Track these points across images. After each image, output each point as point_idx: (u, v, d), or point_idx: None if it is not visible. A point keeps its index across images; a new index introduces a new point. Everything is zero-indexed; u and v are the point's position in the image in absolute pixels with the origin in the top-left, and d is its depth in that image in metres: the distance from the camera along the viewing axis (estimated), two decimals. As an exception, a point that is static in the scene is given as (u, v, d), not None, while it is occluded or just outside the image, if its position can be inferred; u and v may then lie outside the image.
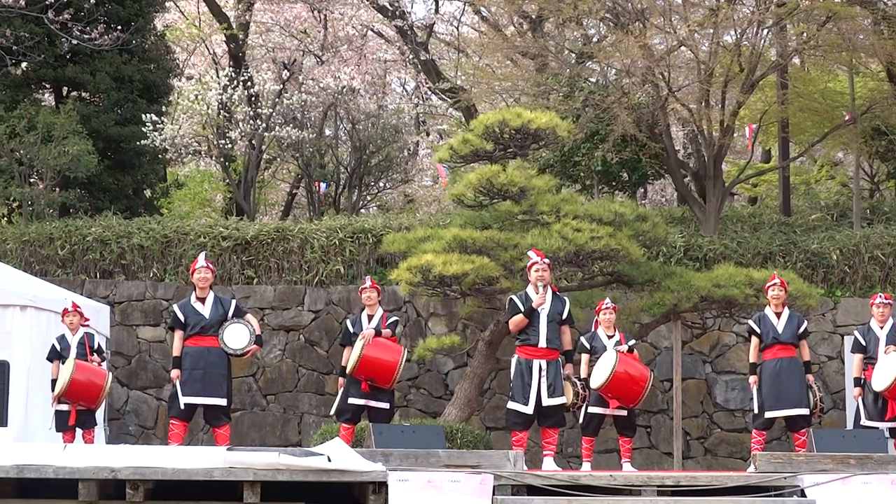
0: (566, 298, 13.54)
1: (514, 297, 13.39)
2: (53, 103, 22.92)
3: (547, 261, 13.45)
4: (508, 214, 15.67)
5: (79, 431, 13.81)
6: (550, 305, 13.19)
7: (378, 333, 13.68)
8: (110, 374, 14.00)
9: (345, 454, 11.09)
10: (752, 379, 13.70)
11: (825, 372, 17.58)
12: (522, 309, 13.15)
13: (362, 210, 26.41)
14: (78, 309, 14.22)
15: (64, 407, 13.68)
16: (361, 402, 13.64)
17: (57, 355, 13.94)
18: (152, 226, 18.60)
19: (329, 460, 10.87)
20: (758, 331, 13.72)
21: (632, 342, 13.88)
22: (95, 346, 14.12)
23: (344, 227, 18.53)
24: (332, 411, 14.20)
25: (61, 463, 10.81)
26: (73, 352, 13.78)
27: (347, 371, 13.62)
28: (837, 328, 17.75)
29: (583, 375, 13.53)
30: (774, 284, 13.89)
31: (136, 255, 18.25)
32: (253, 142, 23.83)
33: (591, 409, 13.60)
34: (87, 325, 14.38)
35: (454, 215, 17.55)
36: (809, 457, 11.71)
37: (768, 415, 13.60)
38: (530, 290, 13.28)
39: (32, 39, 20.73)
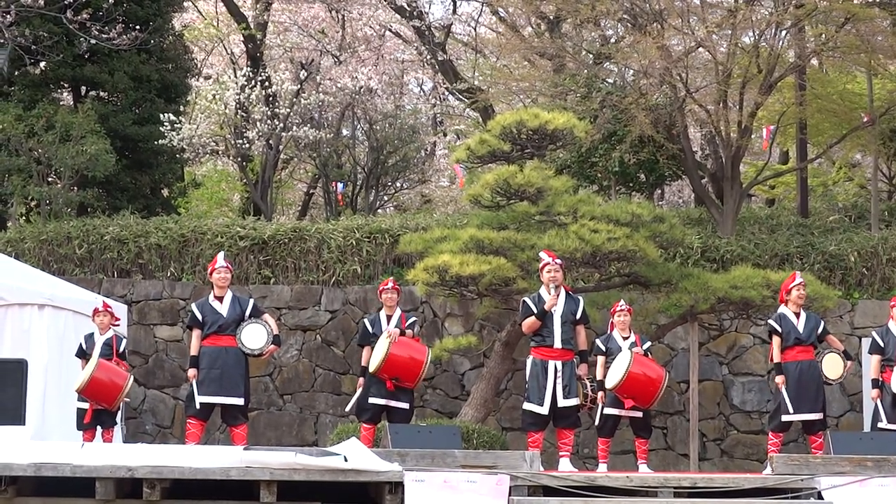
0: (580, 298, 13.54)
1: (526, 298, 13.40)
2: (72, 103, 22.98)
3: (559, 261, 13.45)
4: (525, 215, 15.66)
5: (98, 430, 13.90)
6: (564, 306, 13.20)
7: (402, 333, 13.71)
8: (131, 376, 14.04)
9: (361, 454, 11.11)
10: (780, 379, 13.60)
11: (842, 374, 17.53)
12: (535, 311, 13.15)
13: (379, 210, 26.41)
14: (109, 309, 14.33)
15: (84, 405, 13.76)
16: (383, 401, 13.66)
17: (82, 354, 14.04)
18: (170, 225, 18.64)
19: (345, 460, 10.88)
20: (780, 330, 13.68)
21: (647, 344, 13.88)
22: (122, 348, 14.19)
23: (361, 228, 18.55)
24: (348, 409, 14.21)
25: (79, 461, 10.85)
26: (97, 350, 13.86)
27: (372, 370, 13.60)
28: (855, 330, 17.71)
29: (598, 377, 13.54)
30: (800, 284, 13.83)
31: (153, 255, 18.29)
32: (270, 142, 23.85)
33: (607, 411, 13.62)
34: (118, 325, 14.47)
35: (471, 216, 17.55)
36: (826, 459, 11.68)
37: (785, 418, 13.58)
38: (543, 291, 13.29)
39: (51, 39, 20.79)
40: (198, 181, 28.19)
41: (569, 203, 15.40)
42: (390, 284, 14.19)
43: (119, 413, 14.43)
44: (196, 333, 13.59)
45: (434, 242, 15.61)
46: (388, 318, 14.00)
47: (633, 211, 15.41)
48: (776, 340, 13.74)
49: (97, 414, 13.76)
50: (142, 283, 18.15)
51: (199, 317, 13.55)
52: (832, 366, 13.71)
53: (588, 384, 13.34)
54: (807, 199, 22.42)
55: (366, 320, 14.32)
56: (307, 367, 17.87)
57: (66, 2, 20.33)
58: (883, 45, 19.48)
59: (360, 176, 25.78)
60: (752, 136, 20.48)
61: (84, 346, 14.11)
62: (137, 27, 21.33)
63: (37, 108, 20.68)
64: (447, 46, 27.49)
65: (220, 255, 13.94)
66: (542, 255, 13.50)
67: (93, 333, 14.19)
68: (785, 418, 13.59)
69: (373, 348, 13.80)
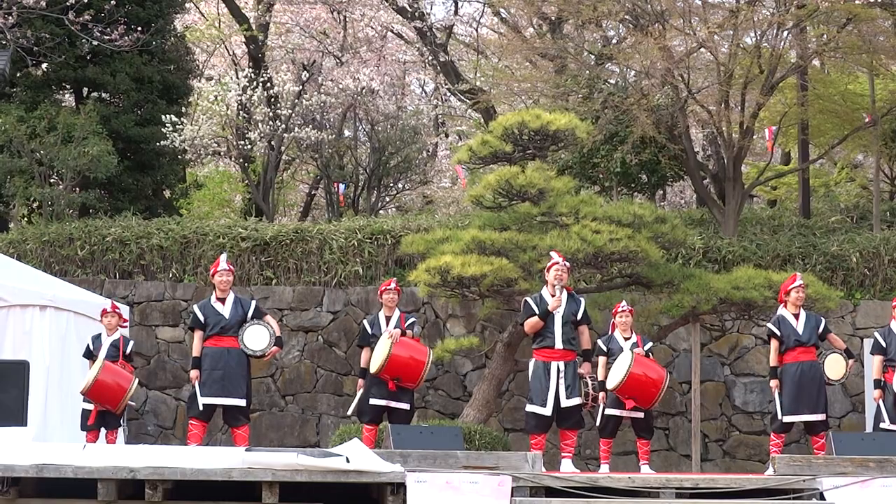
0: (581, 299, 13.55)
1: (528, 298, 13.42)
2: (74, 104, 22.98)
3: (567, 263, 13.49)
4: (527, 216, 15.66)
5: (102, 431, 13.92)
6: (565, 306, 13.21)
7: (402, 334, 13.70)
8: (136, 378, 14.04)
9: (363, 455, 11.10)
10: (774, 383, 13.64)
11: (844, 374, 17.52)
12: (537, 311, 13.16)
13: (381, 211, 26.41)
14: (117, 310, 14.37)
15: (89, 406, 13.78)
16: (383, 402, 13.63)
17: (89, 354, 14.06)
18: (171, 226, 18.65)
19: (347, 461, 10.88)
20: (778, 333, 13.67)
21: (649, 345, 13.87)
22: (128, 350, 14.21)
23: (363, 229, 18.55)
24: (350, 412, 14.20)
25: (80, 463, 10.85)
26: (104, 352, 13.88)
27: (374, 371, 13.57)
28: (857, 331, 17.70)
29: (600, 378, 13.53)
30: (800, 286, 13.82)
31: (155, 256, 18.29)
32: (272, 143, 23.86)
33: (608, 411, 13.61)
34: (125, 327, 14.49)
35: (473, 217, 17.55)
36: (828, 459, 11.67)
37: (787, 419, 13.58)
38: (545, 291, 13.30)
39: (53, 40, 20.82)
40: (199, 182, 28.17)
41: (571, 204, 15.40)
42: (393, 285, 14.17)
43: (123, 414, 14.45)
44: (198, 335, 13.58)
45: (436, 243, 15.62)
46: (388, 318, 13.99)
47: (634, 212, 15.41)
48: (774, 344, 13.73)
49: (101, 415, 13.78)
50: (144, 285, 18.15)
51: (201, 318, 13.54)
52: (834, 366, 13.72)
53: (589, 382, 13.34)
54: (808, 199, 22.42)
55: (365, 321, 14.31)
56: (309, 368, 17.87)
57: (67, 3, 20.34)
58: (885, 46, 19.49)
59: (362, 177, 25.79)
60: (754, 137, 20.47)
61: (91, 347, 14.15)
62: (139, 28, 21.32)
63: (39, 110, 20.68)
64: (449, 47, 27.49)
65: (223, 258, 13.92)
66: (553, 254, 13.54)
67: (100, 334, 14.23)
68: (786, 419, 13.59)
69: (372, 349, 13.79)
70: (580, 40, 24.06)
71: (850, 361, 13.87)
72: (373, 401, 13.67)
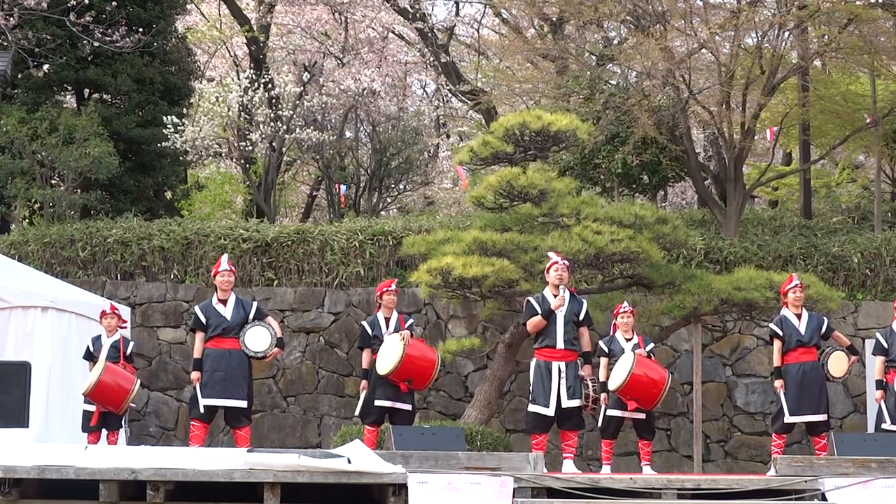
0: (583, 300, 13.57)
1: (530, 298, 13.43)
2: (75, 105, 23.00)
3: (566, 262, 13.49)
4: (528, 217, 15.67)
5: (103, 432, 13.92)
6: (567, 307, 13.23)
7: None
8: (138, 380, 14.03)
9: (364, 456, 11.11)
10: (779, 383, 13.65)
11: (846, 375, 17.51)
12: (539, 310, 13.17)
13: (382, 212, 26.42)
14: (116, 311, 14.38)
15: (90, 407, 13.78)
16: (388, 403, 13.62)
17: (89, 356, 14.06)
18: (173, 227, 18.65)
19: (349, 462, 10.88)
20: (781, 334, 13.68)
21: (650, 346, 13.86)
22: (129, 351, 14.22)
23: (364, 230, 18.55)
24: (357, 413, 14.18)
25: (82, 464, 10.85)
26: (104, 354, 13.89)
27: (384, 373, 13.48)
28: (858, 331, 17.69)
29: (601, 379, 13.52)
30: (797, 286, 13.84)
31: (156, 257, 18.29)
32: (273, 144, 23.87)
33: (610, 412, 13.59)
34: (125, 328, 14.50)
35: (474, 217, 17.55)
36: (830, 460, 11.67)
37: (789, 420, 13.59)
38: (547, 291, 13.31)
39: (54, 42, 20.83)
40: (201, 183, 28.20)
41: (572, 205, 15.41)
42: (393, 286, 14.15)
43: (124, 415, 14.45)
44: (199, 336, 13.56)
45: (437, 244, 15.62)
46: (387, 319, 13.96)
47: (636, 212, 15.42)
48: (777, 344, 13.75)
49: (103, 416, 13.78)
50: (145, 286, 18.15)
51: (203, 319, 13.53)
52: (836, 363, 13.72)
53: (590, 384, 13.33)
54: (810, 200, 22.42)
55: (365, 322, 14.25)
56: (310, 369, 17.87)
57: (69, 5, 20.35)
58: (886, 46, 19.49)
59: (364, 178, 25.81)
60: (756, 138, 20.46)
61: (91, 349, 14.15)
62: (140, 30, 21.33)
63: (40, 111, 20.69)
64: (450, 48, 27.49)
65: (224, 259, 13.92)
66: (551, 254, 13.55)
67: (100, 336, 14.23)
68: (787, 420, 13.60)
69: (372, 350, 13.76)
70: (581, 41, 24.07)
71: (854, 358, 13.88)
72: (378, 402, 13.65)
